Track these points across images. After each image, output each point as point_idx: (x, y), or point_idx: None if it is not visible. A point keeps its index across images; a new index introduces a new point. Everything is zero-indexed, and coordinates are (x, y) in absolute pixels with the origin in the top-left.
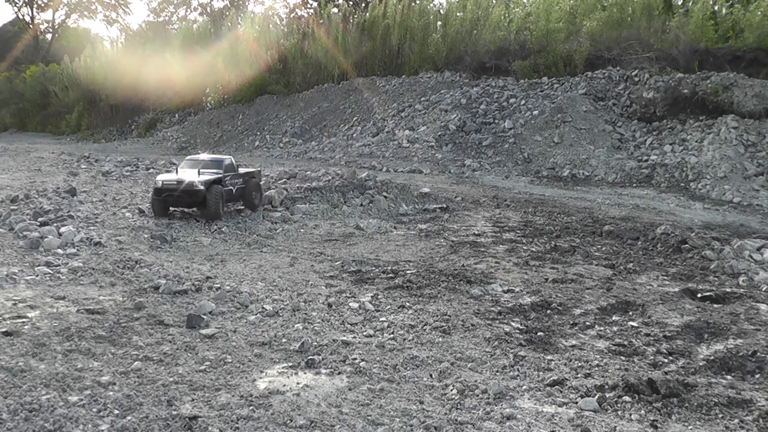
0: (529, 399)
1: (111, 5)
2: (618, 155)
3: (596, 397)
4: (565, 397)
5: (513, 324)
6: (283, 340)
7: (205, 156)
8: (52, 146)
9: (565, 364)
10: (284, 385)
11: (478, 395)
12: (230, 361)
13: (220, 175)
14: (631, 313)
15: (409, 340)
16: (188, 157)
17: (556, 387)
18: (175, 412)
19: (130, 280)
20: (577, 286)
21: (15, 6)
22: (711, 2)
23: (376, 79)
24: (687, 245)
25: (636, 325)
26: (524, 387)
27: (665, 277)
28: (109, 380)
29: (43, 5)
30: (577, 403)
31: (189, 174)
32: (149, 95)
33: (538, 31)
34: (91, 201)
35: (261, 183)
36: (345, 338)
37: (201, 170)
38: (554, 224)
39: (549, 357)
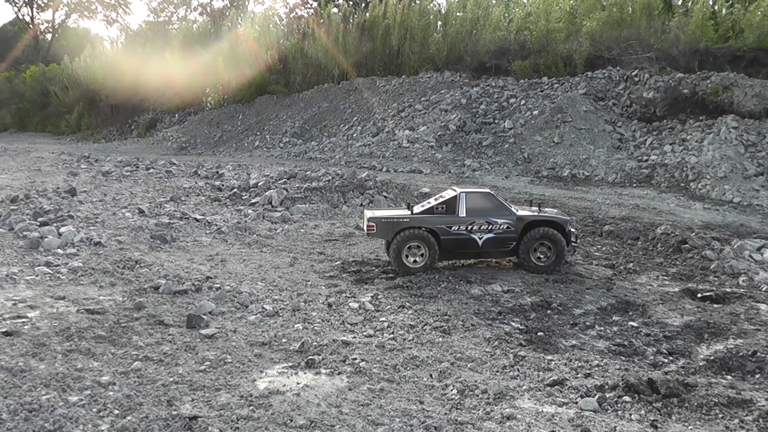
0: (529, 399)
1: (111, 5)
2: (618, 155)
3: (596, 397)
4: (565, 397)
5: (513, 324)
6: (283, 340)
7: None
8: (52, 146)
9: (565, 364)
10: (284, 385)
11: (478, 395)
12: (230, 361)
13: None
14: (631, 313)
15: (409, 340)
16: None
17: (556, 387)
18: (175, 412)
19: (130, 280)
20: (577, 286)
21: (15, 6)
22: (711, 2)
23: (376, 79)
24: (687, 245)
25: (636, 325)
26: (524, 387)
27: (665, 277)
28: (109, 380)
29: (43, 5)
30: (577, 403)
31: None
32: (149, 95)
33: (538, 31)
34: (91, 201)
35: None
36: (345, 338)
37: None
38: None
39: (549, 357)
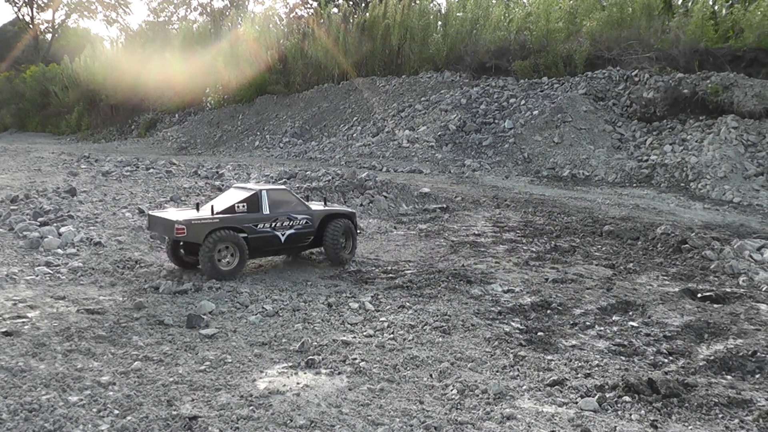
0: (529, 399)
1: (111, 5)
2: (618, 155)
3: (596, 397)
4: (565, 397)
5: (513, 324)
6: (283, 340)
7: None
8: (52, 146)
9: (565, 364)
10: (284, 385)
11: (478, 395)
12: (230, 361)
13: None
14: (631, 313)
15: (409, 340)
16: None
17: (556, 387)
18: (175, 412)
19: (130, 280)
20: (577, 286)
21: (15, 6)
22: (711, 2)
23: (376, 79)
24: (687, 245)
25: (636, 325)
26: (524, 387)
27: (665, 277)
28: (109, 380)
29: (43, 5)
30: (577, 403)
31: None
32: (149, 95)
33: (538, 31)
34: (91, 201)
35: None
36: (345, 338)
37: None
38: (554, 224)
39: (549, 357)
